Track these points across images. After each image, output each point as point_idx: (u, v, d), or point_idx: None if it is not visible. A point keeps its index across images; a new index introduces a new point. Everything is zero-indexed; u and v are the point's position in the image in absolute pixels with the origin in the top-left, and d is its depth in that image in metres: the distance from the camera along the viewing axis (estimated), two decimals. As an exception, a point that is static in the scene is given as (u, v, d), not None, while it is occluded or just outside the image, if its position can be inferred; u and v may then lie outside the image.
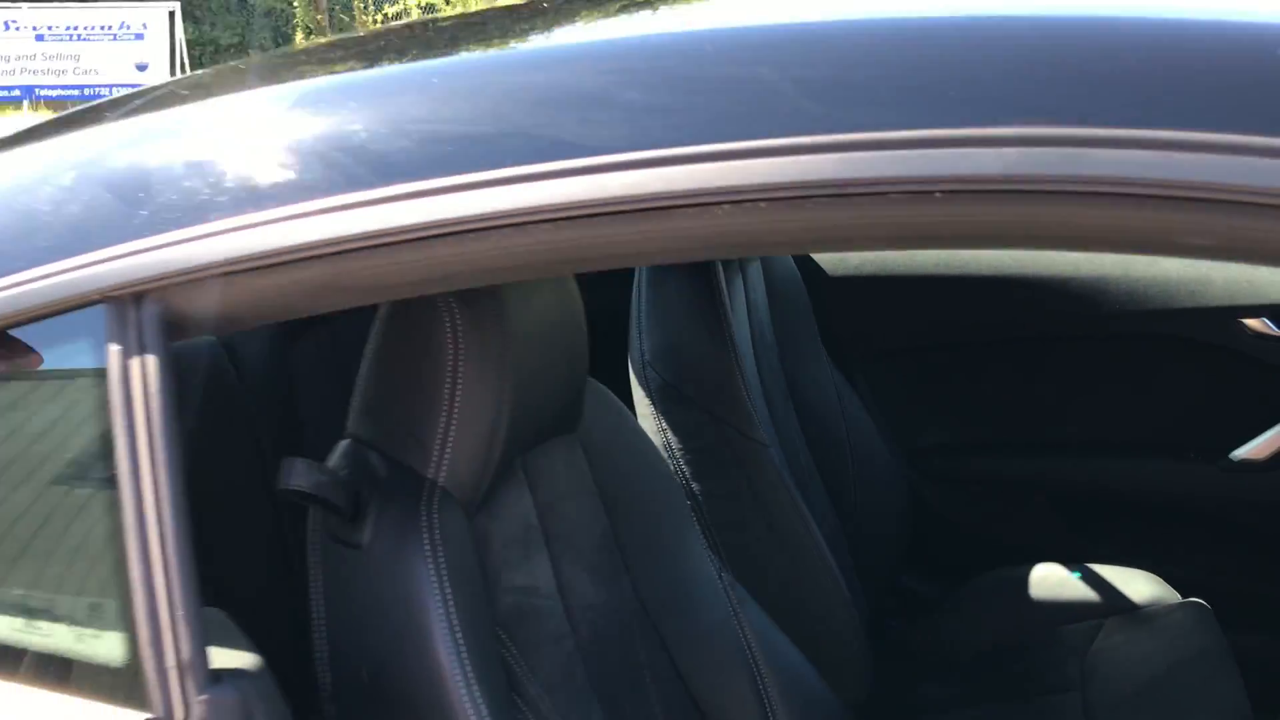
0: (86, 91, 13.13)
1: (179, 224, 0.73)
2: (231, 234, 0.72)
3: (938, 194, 0.61)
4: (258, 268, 0.72)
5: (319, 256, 0.71)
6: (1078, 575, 1.92)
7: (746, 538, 1.53)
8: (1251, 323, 1.87)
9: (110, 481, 0.71)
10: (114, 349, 0.73)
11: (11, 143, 0.96)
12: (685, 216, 0.66)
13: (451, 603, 0.88)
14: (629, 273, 1.60)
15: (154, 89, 1.04)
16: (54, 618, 0.77)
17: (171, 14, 13.29)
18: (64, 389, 0.79)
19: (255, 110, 0.82)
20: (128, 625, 0.70)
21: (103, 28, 13.36)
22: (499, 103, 0.73)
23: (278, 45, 14.49)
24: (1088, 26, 0.68)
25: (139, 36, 13.30)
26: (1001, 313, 2.02)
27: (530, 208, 0.67)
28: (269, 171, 0.73)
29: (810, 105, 0.66)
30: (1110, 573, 1.89)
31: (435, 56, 0.95)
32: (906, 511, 2.02)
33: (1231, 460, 1.88)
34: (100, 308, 0.73)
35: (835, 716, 1.35)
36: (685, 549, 1.26)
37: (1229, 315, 1.88)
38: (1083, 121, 0.59)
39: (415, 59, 0.93)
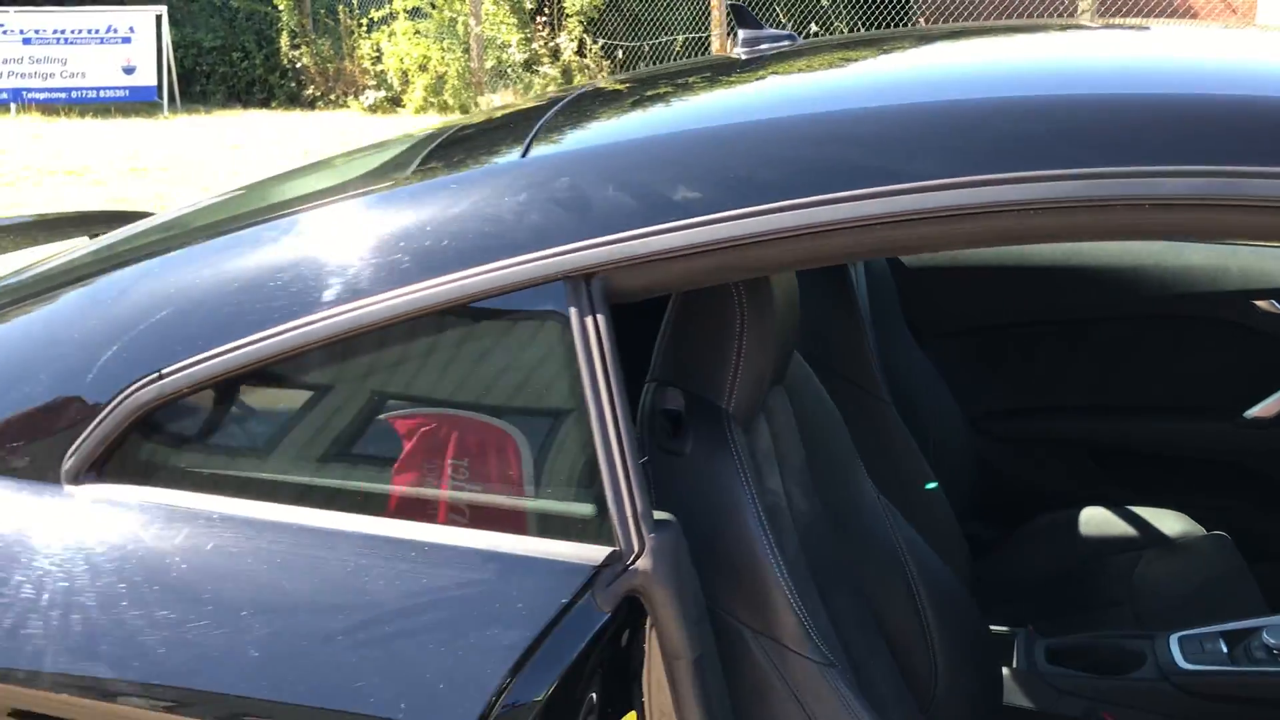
0: (74, 94, 13.29)
1: (617, 229, 1.08)
2: (653, 236, 1.08)
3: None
4: (671, 258, 1.08)
5: (712, 251, 1.07)
6: (1118, 515, 2.31)
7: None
8: (1262, 304, 2.27)
9: (577, 402, 1.07)
10: (573, 312, 1.08)
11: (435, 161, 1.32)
12: (968, 222, 1.03)
13: (753, 491, 1.25)
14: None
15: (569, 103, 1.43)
16: (542, 495, 1.12)
17: (159, 18, 13.45)
18: (534, 340, 1.14)
19: (674, 148, 1.18)
20: (599, 493, 1.06)
21: (90, 31, 13.50)
22: (845, 145, 1.09)
23: (260, 48, 14.69)
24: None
25: (126, 40, 13.45)
26: (1052, 298, 2.41)
27: (871, 215, 1.03)
28: (680, 191, 1.09)
29: (1053, 145, 1.03)
30: (1145, 513, 2.28)
31: (788, 111, 1.28)
32: (971, 467, 2.40)
33: (1245, 419, 2.28)
34: (560, 284, 1.09)
35: (970, 610, 1.72)
36: (855, 475, 1.63)
37: (1244, 297, 2.28)
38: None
39: (777, 110, 1.28)
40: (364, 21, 13.66)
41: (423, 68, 12.99)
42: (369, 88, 13.40)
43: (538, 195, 1.13)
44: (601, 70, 11.45)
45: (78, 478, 1.18)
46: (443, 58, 12.80)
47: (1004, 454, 2.47)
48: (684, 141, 1.20)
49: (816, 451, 1.56)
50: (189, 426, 1.22)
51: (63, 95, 13.27)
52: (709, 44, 10.68)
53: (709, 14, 10.68)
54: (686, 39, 11.07)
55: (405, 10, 13.09)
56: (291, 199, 1.42)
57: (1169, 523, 2.25)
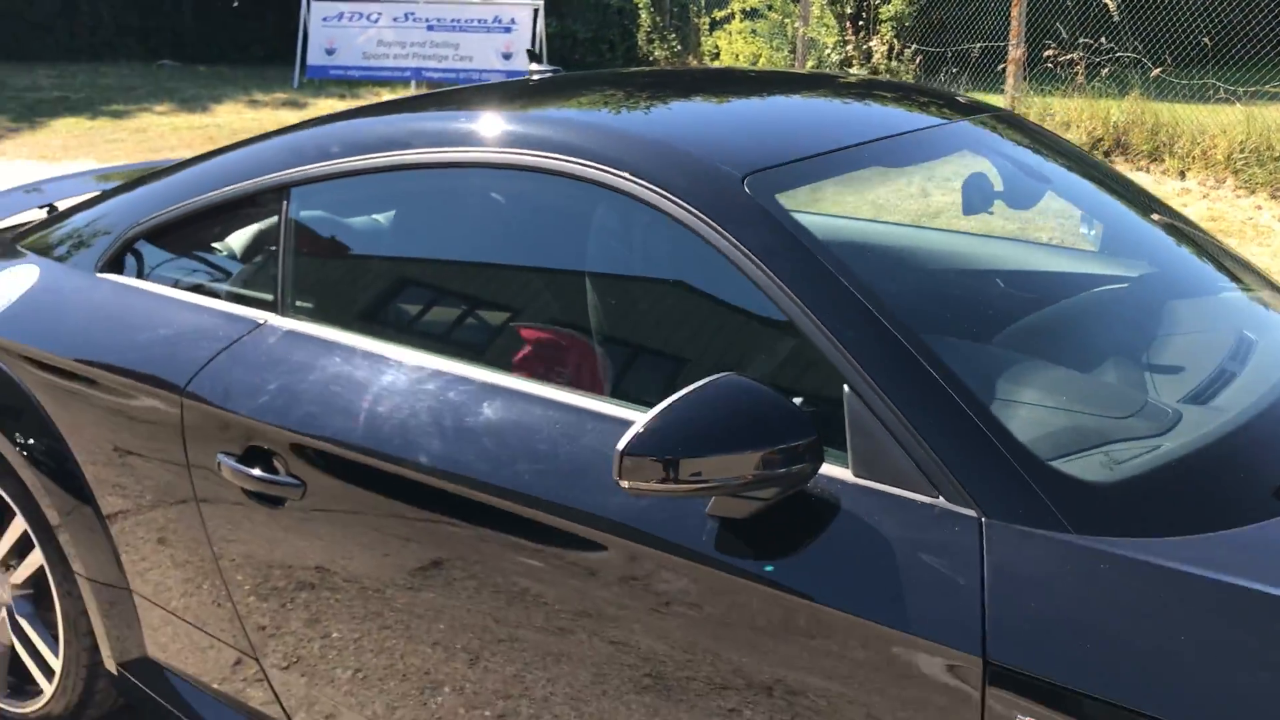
0: (460, 75, 15.50)
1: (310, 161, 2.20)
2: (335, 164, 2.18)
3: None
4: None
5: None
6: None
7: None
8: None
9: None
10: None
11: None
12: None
13: None
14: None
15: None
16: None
17: (536, 10, 15.40)
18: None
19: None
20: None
21: (480, 21, 15.68)
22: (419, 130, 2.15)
23: (623, 41, 16.38)
24: None
25: (507, 30, 15.52)
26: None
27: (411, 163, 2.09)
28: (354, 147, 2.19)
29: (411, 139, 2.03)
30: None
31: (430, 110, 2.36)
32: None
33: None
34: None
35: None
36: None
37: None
38: None
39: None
40: (708, 21, 14.98)
41: (754, 64, 14.13)
42: (709, 81, 14.70)
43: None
44: (909, 72, 12.09)
45: (101, 270, 2.45)
46: (771, 56, 13.88)
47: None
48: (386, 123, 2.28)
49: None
50: (154, 250, 2.45)
51: (452, 75, 15.51)
52: (1005, 52, 11.09)
53: (1009, 25, 11.09)
54: (983, 47, 11.51)
55: (741, 11, 14.27)
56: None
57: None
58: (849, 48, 12.66)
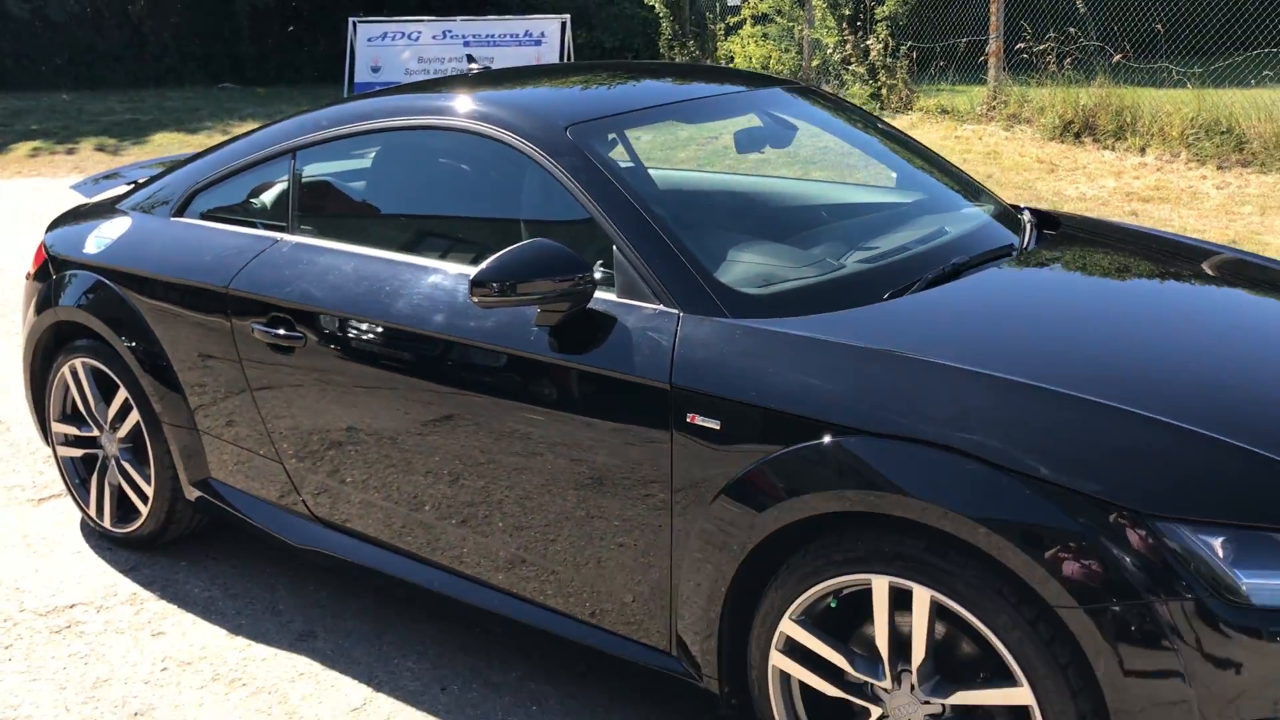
0: (496, 86, 16.71)
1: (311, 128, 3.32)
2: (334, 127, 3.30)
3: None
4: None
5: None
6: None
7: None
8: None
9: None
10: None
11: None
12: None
13: None
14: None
15: None
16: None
17: (564, 24, 16.58)
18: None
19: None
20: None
21: (511, 35, 16.87)
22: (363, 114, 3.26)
23: (646, 48, 17.52)
24: None
25: (538, 43, 16.70)
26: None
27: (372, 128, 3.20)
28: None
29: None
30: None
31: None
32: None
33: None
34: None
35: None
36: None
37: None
38: None
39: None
40: (723, 27, 16.05)
41: (765, 66, 15.18)
42: (723, 83, 15.78)
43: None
44: (900, 66, 13.07)
45: (173, 214, 3.59)
46: (780, 58, 14.93)
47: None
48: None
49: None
50: (207, 200, 3.59)
51: (487, 87, 16.75)
52: (986, 45, 12.04)
53: (988, 20, 12.04)
54: (968, 41, 12.48)
55: (752, 16, 15.32)
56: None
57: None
58: (848, 47, 13.65)
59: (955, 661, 2.22)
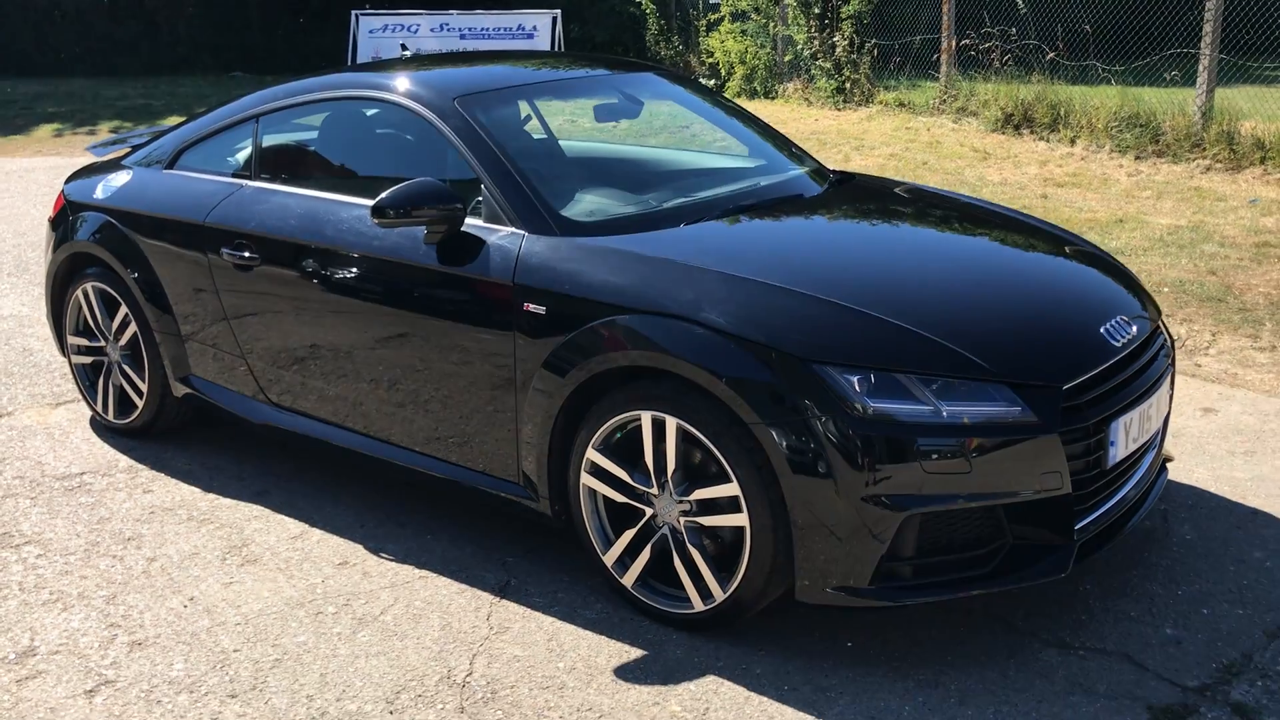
0: (490, 77, 17.63)
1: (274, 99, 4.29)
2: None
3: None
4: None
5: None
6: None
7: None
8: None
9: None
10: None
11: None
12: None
13: None
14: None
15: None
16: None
17: (555, 19, 17.49)
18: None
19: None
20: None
21: (505, 29, 17.78)
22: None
23: (635, 43, 18.43)
24: None
25: (530, 36, 17.61)
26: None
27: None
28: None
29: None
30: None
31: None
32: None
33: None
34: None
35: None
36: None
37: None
38: None
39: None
40: (704, 23, 16.96)
41: (742, 60, 16.09)
42: (703, 77, 16.71)
43: None
44: (862, 62, 13.97)
45: (165, 168, 4.55)
46: (756, 53, 15.83)
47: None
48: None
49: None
50: (192, 155, 4.55)
51: (482, 78, 17.66)
52: (940, 43, 12.94)
53: (941, 19, 12.94)
54: (923, 39, 13.39)
55: (730, 13, 16.23)
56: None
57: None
58: (815, 43, 14.55)
59: (695, 470, 3.15)
